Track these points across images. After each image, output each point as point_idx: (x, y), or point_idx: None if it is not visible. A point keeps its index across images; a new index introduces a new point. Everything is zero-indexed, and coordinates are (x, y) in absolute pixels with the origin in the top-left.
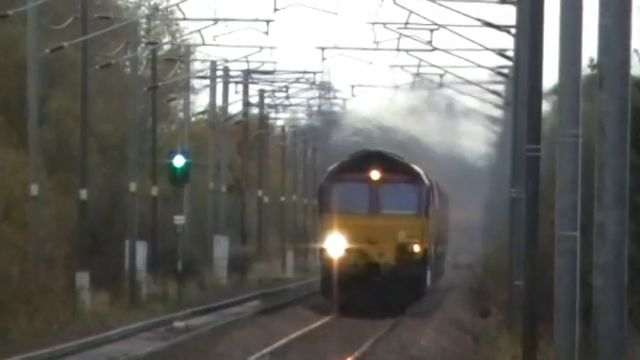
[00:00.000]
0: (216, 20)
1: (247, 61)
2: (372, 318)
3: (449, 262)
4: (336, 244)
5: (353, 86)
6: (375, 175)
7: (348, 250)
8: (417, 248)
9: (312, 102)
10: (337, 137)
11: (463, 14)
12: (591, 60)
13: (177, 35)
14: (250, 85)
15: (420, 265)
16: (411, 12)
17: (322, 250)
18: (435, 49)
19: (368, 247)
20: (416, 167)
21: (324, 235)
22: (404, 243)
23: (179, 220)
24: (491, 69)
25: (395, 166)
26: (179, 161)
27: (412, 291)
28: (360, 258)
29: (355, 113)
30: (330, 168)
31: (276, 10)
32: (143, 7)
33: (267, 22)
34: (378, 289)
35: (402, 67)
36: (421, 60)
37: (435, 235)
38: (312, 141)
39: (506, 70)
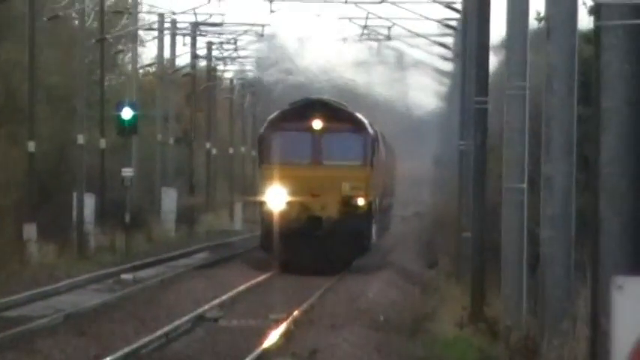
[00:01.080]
0: None
1: (195, 14)
2: (315, 274)
3: (397, 215)
4: (276, 197)
5: (301, 39)
6: (317, 124)
7: (289, 204)
8: (361, 201)
9: (259, 54)
10: (283, 90)
11: None
12: (538, 13)
13: None
14: (198, 38)
15: (364, 219)
16: None
17: (262, 204)
18: (383, 1)
19: (310, 199)
20: (360, 116)
21: (263, 188)
22: (348, 195)
23: (127, 172)
24: (440, 21)
25: (338, 115)
26: (127, 113)
27: (356, 246)
28: (301, 211)
29: (302, 66)
30: (271, 117)
31: None
32: None
33: None
34: (321, 244)
35: (350, 19)
36: (369, 12)
37: (380, 188)
38: (259, 93)
39: (454, 23)
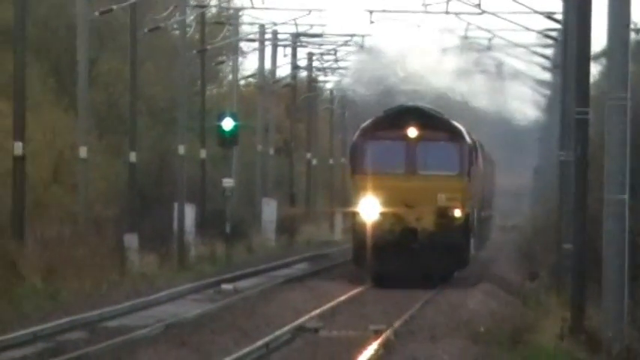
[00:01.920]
0: None
1: (296, 24)
2: (409, 289)
3: (496, 226)
4: (369, 208)
5: (400, 50)
6: (412, 132)
7: (382, 214)
8: (458, 213)
9: (359, 65)
10: (383, 99)
11: None
12: (635, 24)
13: None
14: (299, 49)
15: (461, 231)
16: None
17: (354, 215)
18: (483, 12)
19: (404, 210)
20: (457, 124)
21: (356, 198)
22: (444, 206)
23: (228, 182)
24: (540, 32)
25: (434, 123)
26: (228, 124)
27: (453, 259)
28: (395, 223)
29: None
30: (363, 125)
31: None
32: None
33: None
34: (416, 258)
35: (450, 30)
36: (469, 23)
37: (478, 199)
38: (356, 103)
39: (554, 33)
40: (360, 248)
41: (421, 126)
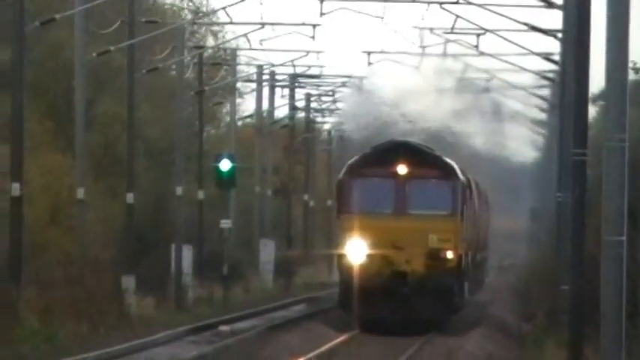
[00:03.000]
0: (262, 24)
1: (294, 65)
2: (397, 336)
3: (494, 268)
4: (356, 250)
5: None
6: (401, 169)
7: (370, 257)
8: (450, 254)
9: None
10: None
11: (509, 18)
12: (634, 63)
13: (220, 37)
14: (297, 89)
15: (454, 275)
16: (458, 16)
17: (340, 257)
18: (481, 54)
19: (393, 252)
20: (450, 161)
21: (342, 239)
22: (435, 248)
23: (225, 223)
24: (537, 73)
25: (425, 159)
26: (225, 165)
27: (445, 305)
28: (384, 266)
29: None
30: (350, 161)
31: (322, 14)
32: (186, 10)
33: (314, 26)
34: (405, 303)
35: (448, 72)
36: (467, 65)
37: (472, 240)
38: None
39: (551, 75)
40: (346, 292)
41: (411, 163)
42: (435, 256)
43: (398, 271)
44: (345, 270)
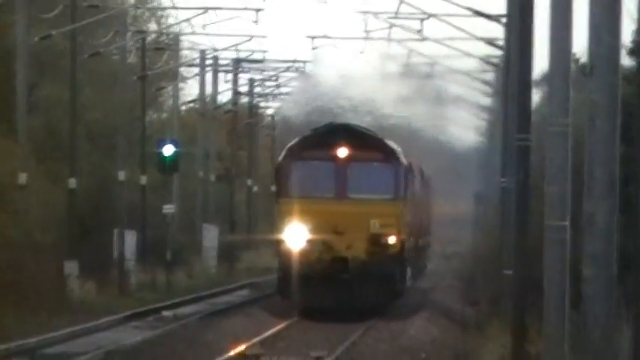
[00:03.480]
0: (205, 9)
1: (237, 50)
2: (339, 322)
3: (436, 253)
4: (295, 235)
5: (342, 76)
6: (342, 152)
7: (309, 242)
8: (392, 240)
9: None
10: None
11: (453, 3)
12: (573, 54)
13: (164, 22)
14: (240, 74)
15: (396, 260)
16: (402, 1)
17: (279, 242)
18: (425, 39)
19: (334, 238)
20: (392, 144)
21: (281, 225)
22: (377, 233)
23: (168, 209)
24: (481, 58)
25: (366, 142)
26: (168, 150)
27: (387, 291)
28: (324, 251)
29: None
30: (290, 144)
31: None
32: None
33: (257, 10)
34: (346, 289)
35: (392, 57)
36: (411, 50)
37: (414, 225)
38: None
39: (495, 60)
40: (285, 279)
41: (352, 145)
42: (376, 242)
43: (339, 256)
44: (284, 256)
